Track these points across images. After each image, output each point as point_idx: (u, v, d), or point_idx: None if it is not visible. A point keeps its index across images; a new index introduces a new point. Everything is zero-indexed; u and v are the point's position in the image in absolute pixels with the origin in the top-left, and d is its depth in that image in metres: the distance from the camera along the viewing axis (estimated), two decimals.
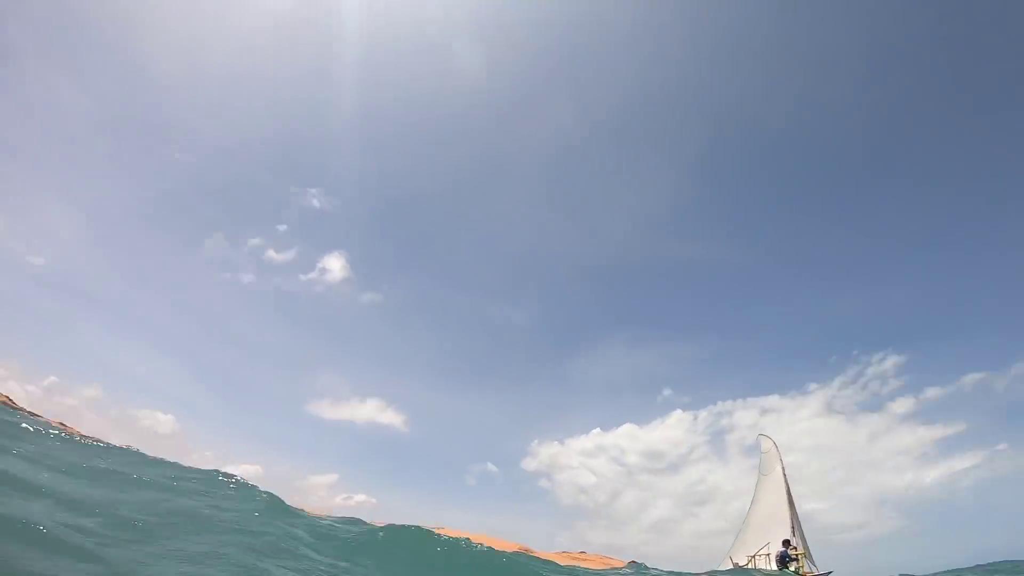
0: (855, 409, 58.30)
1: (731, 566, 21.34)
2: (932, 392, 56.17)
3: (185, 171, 65.70)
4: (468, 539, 11.44)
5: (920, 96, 64.80)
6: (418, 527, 10.77)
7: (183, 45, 62.51)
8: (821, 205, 73.05)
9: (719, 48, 65.90)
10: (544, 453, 62.45)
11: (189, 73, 64.30)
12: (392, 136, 70.60)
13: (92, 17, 59.86)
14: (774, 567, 19.31)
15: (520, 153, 72.52)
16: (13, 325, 55.15)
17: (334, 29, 60.05)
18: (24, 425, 12.62)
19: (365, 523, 12.89)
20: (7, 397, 22.95)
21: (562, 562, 16.35)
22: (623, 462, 60.00)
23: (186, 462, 12.80)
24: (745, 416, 58.60)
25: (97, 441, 13.87)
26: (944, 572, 21.90)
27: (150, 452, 12.83)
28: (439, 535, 10.40)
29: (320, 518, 12.13)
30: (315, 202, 66.52)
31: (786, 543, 19.80)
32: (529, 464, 61.75)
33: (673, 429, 61.20)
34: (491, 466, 62.89)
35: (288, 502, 11.07)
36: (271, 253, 64.52)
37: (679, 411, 62.19)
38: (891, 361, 56.66)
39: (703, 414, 60.65)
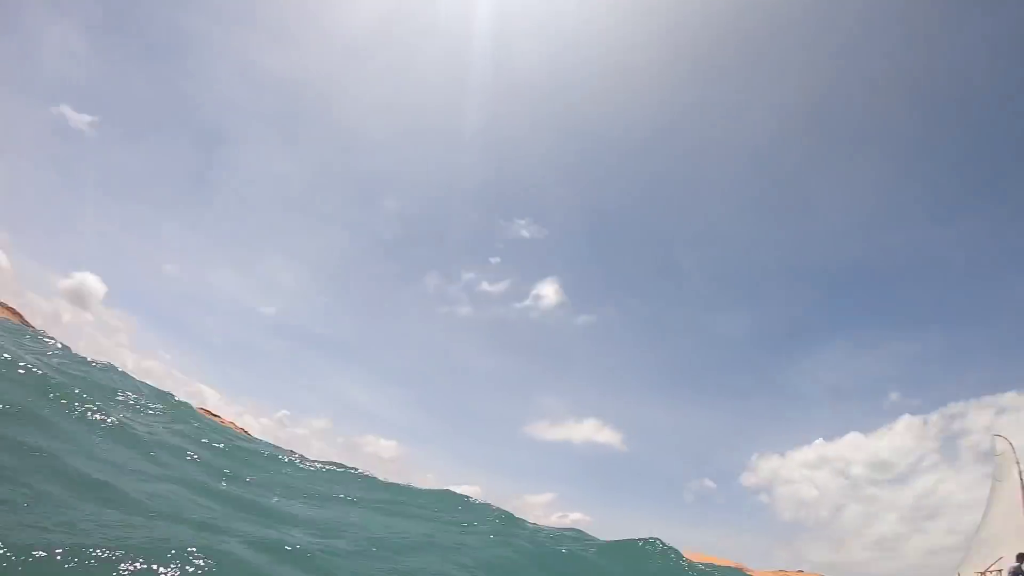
0: None
1: None
2: None
3: (395, 218, 72.97)
4: (679, 552, 11.53)
5: None
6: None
7: (382, 104, 70.49)
8: None
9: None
10: (764, 467, 60.17)
11: (389, 131, 71.78)
12: (586, 156, 72.31)
13: (297, 91, 69.80)
14: None
15: (718, 155, 70.10)
16: (249, 368, 66.41)
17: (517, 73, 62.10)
18: (264, 452, 15.32)
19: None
20: (243, 429, 27.57)
21: None
22: (847, 474, 55.70)
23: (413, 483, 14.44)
24: (980, 418, 51.25)
25: (334, 466, 16.37)
26: None
27: (380, 475, 14.81)
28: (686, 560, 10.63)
29: (539, 528, 13.00)
30: (524, 232, 69.77)
31: (1020, 558, 17.05)
32: (748, 479, 60.03)
33: (901, 436, 55.77)
34: (708, 482, 61.89)
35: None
36: (485, 285, 68.64)
37: (907, 416, 56.83)
38: None
39: (933, 417, 54.81)
